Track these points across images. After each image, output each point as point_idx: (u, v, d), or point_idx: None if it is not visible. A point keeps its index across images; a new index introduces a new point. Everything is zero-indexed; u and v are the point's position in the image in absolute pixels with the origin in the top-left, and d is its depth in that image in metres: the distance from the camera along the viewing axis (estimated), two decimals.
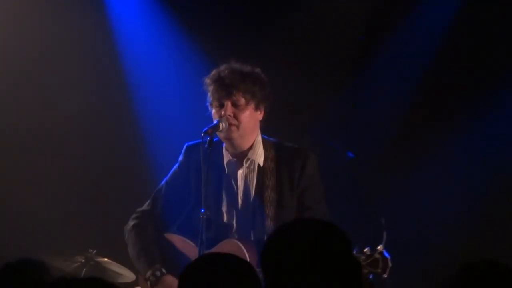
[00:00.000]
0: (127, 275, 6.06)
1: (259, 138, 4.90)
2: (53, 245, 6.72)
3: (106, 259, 6.13)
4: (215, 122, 4.78)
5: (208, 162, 4.70)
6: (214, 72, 4.86)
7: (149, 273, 4.81)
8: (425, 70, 6.63)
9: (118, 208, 6.84)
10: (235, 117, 4.78)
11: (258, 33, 6.79)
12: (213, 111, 4.83)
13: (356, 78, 6.73)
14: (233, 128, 4.78)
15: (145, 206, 5.01)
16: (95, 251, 6.15)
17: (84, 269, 6.10)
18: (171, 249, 4.87)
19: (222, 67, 4.85)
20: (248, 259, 4.51)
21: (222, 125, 4.76)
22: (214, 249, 4.66)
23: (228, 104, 4.77)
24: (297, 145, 5.01)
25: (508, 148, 6.50)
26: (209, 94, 4.84)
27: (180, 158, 4.99)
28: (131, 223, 4.99)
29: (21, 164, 7.04)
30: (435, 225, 6.48)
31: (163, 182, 5.02)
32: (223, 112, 4.76)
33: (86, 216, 6.98)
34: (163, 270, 4.78)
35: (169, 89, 6.94)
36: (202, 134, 4.73)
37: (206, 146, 4.71)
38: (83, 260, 6.13)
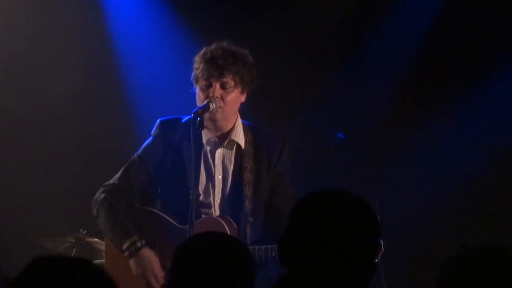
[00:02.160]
0: None
1: (240, 121, 4.91)
2: (43, 225, 6.72)
3: (96, 239, 6.14)
4: (205, 103, 4.76)
5: (199, 142, 4.70)
6: (205, 50, 4.83)
7: (126, 244, 4.76)
8: (417, 54, 6.63)
9: None
10: (222, 98, 4.77)
11: (250, 15, 6.77)
12: (198, 89, 4.81)
13: (347, 61, 6.73)
14: (219, 110, 4.77)
15: (114, 180, 4.95)
16: (85, 231, 6.15)
17: (74, 249, 6.11)
18: (146, 221, 4.85)
19: (214, 47, 4.82)
20: None
21: (212, 106, 4.75)
22: (195, 224, 4.63)
23: (217, 85, 4.76)
24: (272, 131, 5.06)
25: (502, 133, 6.51)
26: (196, 71, 4.81)
27: (154, 132, 4.94)
28: (102, 195, 4.90)
29: (11, 146, 7.02)
30: (425, 209, 6.50)
31: (134, 156, 4.97)
32: (210, 92, 4.75)
33: (77, 196, 6.97)
34: (143, 242, 4.76)
35: (160, 69, 6.92)
36: (192, 115, 4.71)
37: (197, 126, 4.70)
38: (73, 240, 6.14)
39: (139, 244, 4.76)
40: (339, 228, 2.64)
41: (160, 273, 4.77)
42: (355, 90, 6.71)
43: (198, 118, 4.70)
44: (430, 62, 6.67)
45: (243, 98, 4.87)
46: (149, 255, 4.76)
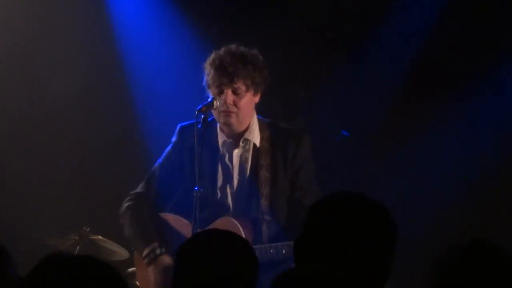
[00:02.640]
0: (121, 253, 6.07)
1: (255, 119, 4.89)
2: (47, 222, 6.72)
3: (100, 237, 6.14)
4: (209, 100, 4.76)
5: (203, 141, 4.69)
6: (214, 56, 4.79)
7: (146, 251, 4.76)
8: (419, 53, 6.62)
9: (113, 186, 6.84)
10: (235, 104, 4.76)
11: (254, 14, 6.76)
12: (212, 95, 4.80)
13: (350, 59, 6.72)
14: (233, 115, 4.77)
15: (139, 188, 4.98)
16: (89, 229, 6.15)
17: (78, 247, 6.11)
18: (167, 228, 4.85)
19: (222, 52, 4.78)
20: (243, 236, 4.53)
21: (216, 103, 4.74)
22: (210, 227, 4.65)
23: (229, 91, 4.74)
24: (292, 125, 5.01)
25: (504, 132, 6.51)
26: (207, 77, 4.79)
27: (174, 139, 4.96)
28: (125, 204, 4.94)
29: (15, 144, 7.02)
30: (428, 204, 6.49)
31: (156, 164, 4.98)
32: (223, 99, 4.73)
33: (80, 193, 6.98)
34: (162, 250, 4.74)
35: (165, 68, 6.92)
36: (196, 112, 4.71)
37: (200, 125, 4.70)
38: (77, 238, 6.14)
39: (158, 251, 4.75)
40: (357, 231, 2.63)
41: None
42: (358, 88, 6.70)
43: (202, 116, 4.70)
44: (432, 60, 6.66)
45: (256, 99, 4.85)
46: (168, 263, 4.72)
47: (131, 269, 5.38)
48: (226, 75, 4.72)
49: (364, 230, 2.63)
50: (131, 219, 4.87)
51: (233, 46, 4.80)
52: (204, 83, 4.84)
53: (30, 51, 6.95)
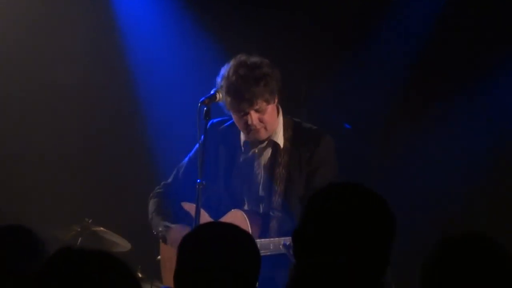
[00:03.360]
0: (123, 244, 6.08)
1: (281, 120, 4.94)
2: (49, 214, 6.73)
3: (102, 228, 6.14)
4: (212, 92, 4.78)
5: (205, 132, 4.72)
6: (227, 82, 4.79)
7: (159, 228, 4.93)
8: (423, 45, 6.61)
9: (115, 177, 6.86)
10: (261, 121, 4.81)
11: (257, 11, 6.75)
12: (235, 116, 4.84)
13: (353, 54, 6.72)
14: (262, 130, 4.84)
15: (168, 179, 5.13)
16: (91, 220, 6.16)
17: (80, 238, 6.12)
18: (188, 216, 4.91)
19: (232, 76, 4.78)
20: (250, 230, 4.62)
21: (219, 95, 4.76)
22: (223, 218, 4.78)
23: (252, 112, 4.79)
24: (314, 126, 5.04)
25: (506, 124, 6.51)
26: (226, 103, 4.80)
27: (203, 134, 5.00)
28: (152, 193, 5.12)
29: (18, 136, 7.03)
30: (430, 198, 6.50)
31: (187, 158, 5.10)
32: (249, 121, 4.77)
33: (83, 185, 6.99)
34: (170, 224, 4.88)
35: (168, 62, 6.91)
36: (199, 104, 4.73)
37: (202, 116, 4.72)
38: (79, 229, 6.14)
39: (167, 223, 4.90)
40: (355, 220, 2.64)
41: None
42: (361, 83, 6.70)
43: (205, 108, 4.71)
44: (435, 56, 6.65)
45: (276, 101, 4.90)
46: (177, 231, 4.82)
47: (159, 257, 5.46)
48: (245, 101, 4.76)
49: (362, 219, 2.64)
50: (154, 203, 5.06)
51: (241, 68, 4.80)
52: (220, 103, 4.85)
53: (33, 44, 6.95)
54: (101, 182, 6.92)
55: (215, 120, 4.99)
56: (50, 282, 2.25)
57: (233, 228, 3.07)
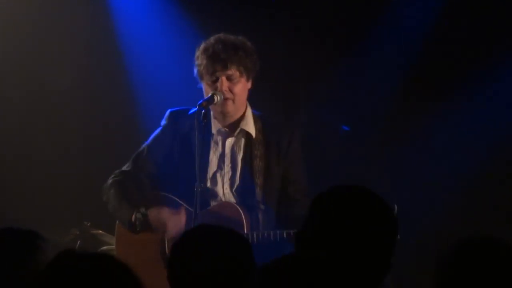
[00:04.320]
0: None
1: (249, 110, 4.95)
2: (48, 217, 6.72)
3: (100, 231, 6.14)
4: (209, 95, 4.79)
5: (203, 134, 4.73)
6: (205, 46, 4.86)
7: (133, 216, 4.81)
8: (422, 45, 6.61)
9: None
10: (231, 90, 4.80)
11: (255, 10, 6.75)
12: (205, 84, 4.85)
13: (351, 54, 6.71)
14: (229, 102, 4.83)
15: (124, 167, 5.02)
16: (89, 223, 6.15)
17: (79, 241, 6.11)
18: (156, 200, 4.87)
19: (212, 40, 4.86)
20: (244, 222, 4.68)
21: (217, 98, 4.78)
22: (212, 208, 4.77)
23: (223, 78, 4.79)
24: (282, 119, 5.14)
25: (505, 124, 6.51)
26: (200, 68, 4.84)
27: (164, 122, 5.02)
28: (109, 181, 4.99)
29: (16, 138, 7.02)
30: (431, 197, 6.49)
31: (143, 145, 5.03)
32: (218, 86, 4.77)
33: (81, 188, 6.98)
34: (147, 210, 4.78)
35: (164, 63, 6.91)
36: (197, 107, 4.74)
37: (201, 118, 4.72)
38: (77, 232, 6.14)
39: (143, 209, 4.79)
40: (357, 223, 2.65)
41: (177, 218, 4.76)
42: (360, 83, 6.70)
43: (203, 111, 4.72)
44: (434, 57, 6.65)
45: (249, 85, 4.91)
46: (158, 212, 4.77)
47: (106, 247, 5.39)
48: (220, 61, 4.78)
49: (365, 223, 2.65)
50: (116, 192, 4.91)
51: (221, 35, 4.88)
52: (195, 75, 4.88)
53: (31, 45, 6.94)
54: (100, 185, 6.90)
55: (175, 109, 5.00)
56: (52, 285, 2.25)
57: (229, 232, 3.06)
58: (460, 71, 6.59)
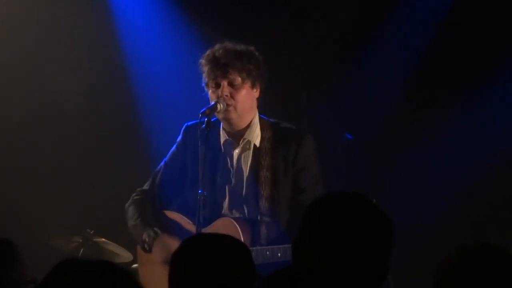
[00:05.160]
0: (125, 255, 6.07)
1: (257, 119, 4.88)
2: (51, 225, 6.72)
3: (103, 239, 6.14)
4: (212, 103, 4.76)
5: (207, 143, 4.69)
6: (208, 52, 4.83)
7: (145, 234, 4.79)
8: (423, 52, 6.61)
9: (116, 188, 6.85)
10: (232, 97, 4.75)
11: (257, 15, 6.77)
12: (210, 91, 4.81)
13: (354, 61, 6.72)
14: (231, 108, 4.76)
15: (145, 186, 5.02)
16: (92, 231, 6.15)
17: (82, 249, 6.11)
18: (170, 224, 4.86)
19: (216, 47, 4.82)
20: (242, 239, 4.56)
21: (220, 106, 4.74)
22: (209, 227, 4.66)
23: (225, 84, 4.75)
24: (295, 126, 5.00)
25: (507, 128, 6.51)
26: (204, 74, 4.82)
27: (179, 138, 4.99)
28: (129, 201, 4.99)
29: (18, 145, 7.03)
30: (431, 206, 6.49)
31: (162, 163, 5.02)
32: (219, 92, 4.74)
33: (84, 196, 6.98)
34: (158, 231, 4.76)
35: (166, 68, 6.92)
36: (200, 115, 4.72)
37: (203, 127, 4.71)
38: (80, 240, 6.14)
39: (152, 233, 4.77)
40: (353, 229, 2.64)
41: None
42: (362, 91, 6.70)
43: (205, 119, 4.71)
44: (437, 64, 6.65)
45: (256, 94, 4.84)
46: (167, 240, 4.73)
47: (135, 265, 5.39)
48: (220, 67, 4.74)
49: (361, 229, 2.64)
50: (133, 211, 4.91)
51: (227, 43, 4.83)
52: (203, 84, 4.86)
53: (33, 48, 6.95)
54: (103, 193, 6.92)
55: (190, 123, 4.95)
56: None
57: (227, 240, 3.05)
58: (463, 76, 6.59)
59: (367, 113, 6.68)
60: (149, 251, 4.80)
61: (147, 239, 4.79)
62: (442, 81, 6.66)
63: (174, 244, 4.66)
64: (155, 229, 4.79)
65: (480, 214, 6.47)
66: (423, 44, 6.58)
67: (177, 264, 2.95)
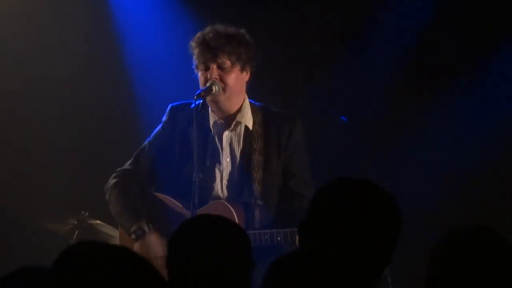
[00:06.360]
0: None
1: (247, 102, 4.88)
2: (46, 207, 6.72)
3: (98, 221, 6.12)
4: (207, 85, 4.75)
5: (201, 125, 4.68)
6: (198, 35, 4.82)
7: (134, 227, 4.76)
8: (419, 36, 6.60)
9: (111, 170, 6.83)
10: (221, 79, 4.75)
11: (254, 1, 6.74)
12: (199, 74, 4.81)
13: (350, 44, 6.71)
14: (219, 91, 4.75)
15: (126, 165, 4.98)
16: (87, 213, 6.14)
17: (77, 232, 6.10)
18: (156, 206, 4.84)
19: (207, 30, 4.82)
20: (236, 221, 4.55)
21: (215, 88, 4.74)
22: (202, 210, 4.64)
23: (214, 66, 4.74)
24: (284, 110, 5.00)
25: (504, 112, 6.51)
26: (194, 57, 4.81)
27: (164, 118, 4.97)
28: (112, 181, 4.94)
29: (13, 128, 7.01)
30: (427, 190, 6.49)
31: (145, 142, 4.99)
32: (208, 75, 4.73)
33: (79, 177, 6.98)
34: (150, 226, 4.75)
35: (160, 51, 6.90)
36: (195, 97, 4.71)
37: (199, 109, 4.70)
38: (75, 222, 6.12)
39: (146, 228, 4.75)
40: (360, 215, 2.65)
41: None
42: (358, 74, 6.69)
43: (201, 101, 4.70)
44: (433, 48, 6.64)
45: (246, 77, 4.84)
46: (155, 239, 4.73)
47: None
48: (209, 50, 4.74)
49: (368, 215, 2.65)
50: (118, 195, 4.87)
51: (218, 25, 4.82)
52: (193, 65, 4.85)
53: (30, 39, 6.93)
54: (98, 175, 6.89)
55: (175, 104, 4.94)
56: (67, 276, 2.19)
57: (224, 222, 3.05)
58: (459, 68, 6.59)
59: (364, 97, 6.67)
60: (135, 241, 4.78)
61: (136, 232, 4.76)
62: (440, 67, 6.65)
63: (158, 245, 4.65)
64: (147, 225, 4.76)
65: (480, 205, 6.48)
66: (424, 31, 6.57)
67: (175, 247, 2.95)
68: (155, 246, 4.69)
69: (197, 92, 4.73)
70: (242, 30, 4.85)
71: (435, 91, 6.62)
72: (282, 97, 6.21)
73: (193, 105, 4.80)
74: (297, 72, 6.66)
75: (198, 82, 4.85)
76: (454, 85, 6.57)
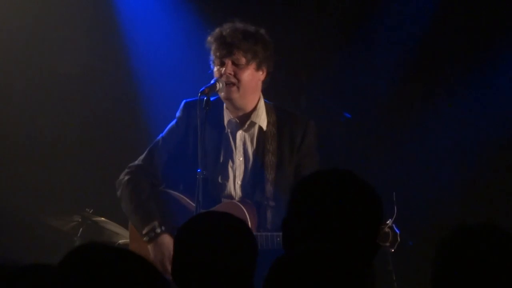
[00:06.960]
0: (124, 235, 6.06)
1: (262, 102, 4.86)
2: (50, 204, 6.72)
3: (103, 218, 6.12)
4: (212, 81, 4.75)
5: (206, 121, 4.67)
6: (217, 30, 4.81)
7: (146, 229, 4.75)
8: (423, 34, 6.60)
9: (115, 167, 6.84)
10: (235, 76, 4.73)
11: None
12: (215, 69, 4.79)
13: (353, 40, 6.70)
14: (233, 88, 4.74)
15: (139, 161, 4.94)
16: (92, 210, 6.14)
17: (81, 229, 6.10)
18: (168, 205, 4.83)
19: (225, 26, 4.80)
20: (249, 222, 4.55)
21: (219, 85, 4.72)
22: (216, 209, 4.64)
23: (229, 62, 4.73)
24: (297, 111, 5.02)
25: (504, 111, 6.50)
26: (211, 52, 4.80)
27: (178, 114, 4.94)
28: (125, 177, 4.90)
29: (18, 124, 7.02)
30: (430, 186, 6.49)
31: (159, 138, 4.96)
32: (223, 70, 4.72)
33: (83, 175, 6.98)
34: (162, 228, 4.73)
35: (168, 45, 6.90)
36: (199, 94, 4.70)
37: (203, 105, 4.69)
38: (80, 220, 6.12)
39: (158, 230, 4.73)
40: (341, 206, 2.64)
41: None
42: (361, 70, 6.69)
43: (205, 98, 4.69)
44: (436, 47, 6.64)
45: (261, 77, 4.82)
46: (168, 242, 4.70)
47: (123, 241, 5.37)
48: (226, 46, 4.73)
49: (348, 205, 2.64)
50: (131, 193, 4.84)
51: (238, 23, 4.81)
52: (210, 60, 4.84)
53: (34, 34, 6.93)
54: (102, 172, 6.91)
55: (189, 100, 4.91)
56: (72, 277, 2.19)
57: (231, 219, 3.05)
58: (461, 65, 6.58)
59: (367, 93, 6.66)
60: (147, 243, 4.77)
61: (149, 234, 4.75)
62: (443, 62, 6.64)
63: (170, 247, 4.60)
64: (160, 226, 4.75)
65: (481, 201, 6.47)
66: (427, 31, 6.56)
67: (182, 243, 2.95)
68: (167, 248, 4.68)
69: (201, 89, 4.71)
70: (262, 30, 4.83)
71: (438, 90, 6.62)
72: (285, 93, 6.21)
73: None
74: (301, 68, 6.66)
75: (204, 78, 4.84)
76: (457, 84, 6.57)
